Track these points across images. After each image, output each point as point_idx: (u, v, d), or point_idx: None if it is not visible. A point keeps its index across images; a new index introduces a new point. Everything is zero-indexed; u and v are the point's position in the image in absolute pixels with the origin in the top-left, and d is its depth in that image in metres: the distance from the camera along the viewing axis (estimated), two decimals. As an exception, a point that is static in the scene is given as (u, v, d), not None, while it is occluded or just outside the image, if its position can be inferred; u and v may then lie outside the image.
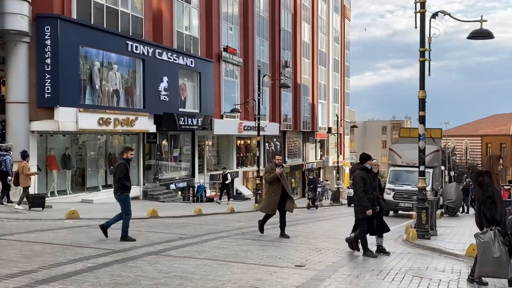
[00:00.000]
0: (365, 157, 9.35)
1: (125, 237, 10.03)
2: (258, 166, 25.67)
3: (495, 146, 78.23)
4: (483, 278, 6.92)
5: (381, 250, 9.52)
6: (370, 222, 9.21)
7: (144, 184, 25.04)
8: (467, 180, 35.76)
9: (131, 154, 10.10)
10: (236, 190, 33.97)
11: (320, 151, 53.60)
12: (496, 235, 6.50)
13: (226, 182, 26.27)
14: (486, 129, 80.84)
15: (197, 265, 7.76)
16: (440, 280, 7.40)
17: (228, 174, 26.71)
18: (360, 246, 9.41)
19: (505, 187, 33.17)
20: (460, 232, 14.21)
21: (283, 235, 11.29)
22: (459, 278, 7.60)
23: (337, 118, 43.21)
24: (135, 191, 24.66)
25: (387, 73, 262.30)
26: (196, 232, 11.95)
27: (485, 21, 11.30)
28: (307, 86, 47.89)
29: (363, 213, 9.05)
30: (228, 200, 26.18)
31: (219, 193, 30.93)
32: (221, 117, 31.36)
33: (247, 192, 33.24)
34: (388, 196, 22.28)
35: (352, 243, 9.66)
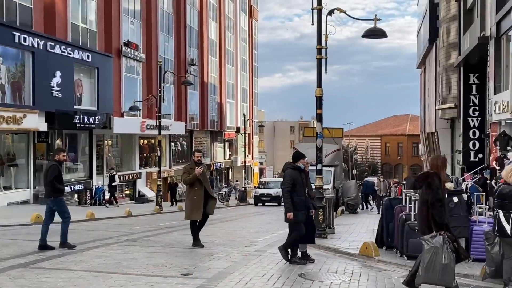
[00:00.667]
0: (298, 156, 8.53)
1: (64, 243, 9.35)
2: (160, 166, 24.68)
3: (393, 146, 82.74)
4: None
5: (306, 257, 8.69)
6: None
7: (35, 187, 23.12)
8: (365, 179, 37.06)
9: (63, 156, 9.66)
10: (139, 192, 32.65)
11: (229, 151, 53.34)
12: (446, 241, 6.21)
13: (113, 184, 24.95)
14: (385, 130, 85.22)
15: (69, 278, 6.89)
16: (331, 282, 7.13)
17: (116, 176, 25.44)
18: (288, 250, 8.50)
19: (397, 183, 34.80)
20: (357, 230, 14.34)
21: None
22: (350, 279, 7.39)
23: (244, 117, 43.06)
24: (24, 194, 22.75)
25: (296, 75, 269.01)
26: (81, 239, 10.91)
27: (379, 20, 11.38)
28: (214, 85, 47.38)
29: (295, 217, 8.20)
30: (113, 203, 24.80)
31: (120, 195, 29.57)
32: (122, 115, 29.92)
33: (150, 193, 32.02)
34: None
35: (302, 254, 8.61)
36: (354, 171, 58.89)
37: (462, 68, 26.67)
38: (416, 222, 8.80)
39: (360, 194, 27.95)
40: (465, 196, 8.97)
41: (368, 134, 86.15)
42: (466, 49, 24.56)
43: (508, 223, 6.47)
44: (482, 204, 10.06)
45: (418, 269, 6.41)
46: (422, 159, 54.57)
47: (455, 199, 8.78)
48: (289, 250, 8.51)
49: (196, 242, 10.03)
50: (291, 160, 8.65)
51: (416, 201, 9.11)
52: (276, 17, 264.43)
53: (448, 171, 28.59)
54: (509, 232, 6.48)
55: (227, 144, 52.26)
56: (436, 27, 35.47)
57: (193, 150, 14.60)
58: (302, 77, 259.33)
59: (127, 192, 31.86)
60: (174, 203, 28.90)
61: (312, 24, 11.67)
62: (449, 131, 34.29)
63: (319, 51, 11.64)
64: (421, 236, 6.51)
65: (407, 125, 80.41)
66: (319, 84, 11.65)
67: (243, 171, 47.13)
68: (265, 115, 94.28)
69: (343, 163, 28.75)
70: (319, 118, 11.71)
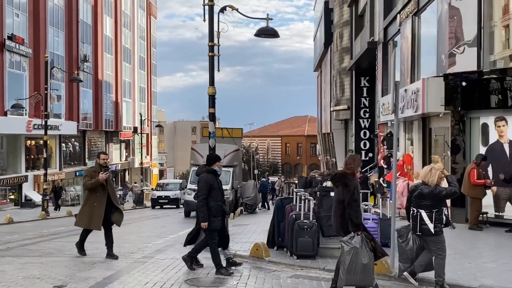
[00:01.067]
0: (213, 158, 7.93)
1: None
2: (46, 168, 23.05)
3: (293, 146, 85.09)
4: None
5: (232, 263, 8.13)
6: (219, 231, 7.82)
7: None
8: (262, 178, 37.44)
9: None
10: (25, 196, 30.35)
11: (126, 152, 51.51)
12: (364, 240, 6.19)
13: None
14: (285, 130, 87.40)
15: None
16: (217, 287, 6.86)
17: None
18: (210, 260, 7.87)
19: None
20: (252, 230, 14.26)
21: (110, 255, 8.98)
22: (237, 283, 7.16)
23: (141, 117, 41.78)
24: None
25: (198, 75, 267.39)
26: None
27: (271, 19, 11.31)
28: (110, 83, 45.49)
29: (210, 223, 7.62)
30: None
31: (3, 201, 27.35)
32: (5, 114, 27.61)
33: (38, 198, 29.82)
34: (189, 197, 21.91)
35: (192, 259, 8.04)
36: (256, 171, 59.66)
37: (354, 72, 27.86)
38: (305, 221, 8.82)
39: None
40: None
41: (269, 135, 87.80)
42: (357, 54, 25.68)
43: (431, 222, 6.64)
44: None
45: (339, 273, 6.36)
46: (319, 158, 56.52)
47: (342, 197, 8.87)
48: (224, 258, 7.95)
49: (82, 251, 9.15)
50: (205, 163, 8.06)
51: (306, 200, 9.14)
52: (177, 16, 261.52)
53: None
54: (432, 230, 6.65)
55: (123, 144, 50.43)
56: (331, 32, 36.84)
57: (98, 152, 13.15)
58: (204, 77, 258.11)
59: (12, 197, 29.47)
60: (58, 208, 27.04)
61: (204, 20, 11.36)
62: (343, 132, 35.74)
63: (211, 49, 11.35)
64: (339, 238, 6.48)
65: (306, 126, 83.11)
66: (211, 82, 11.36)
67: (141, 172, 45.65)
68: (165, 115, 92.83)
69: (243, 163, 28.88)
70: (212, 117, 11.43)
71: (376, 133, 24.48)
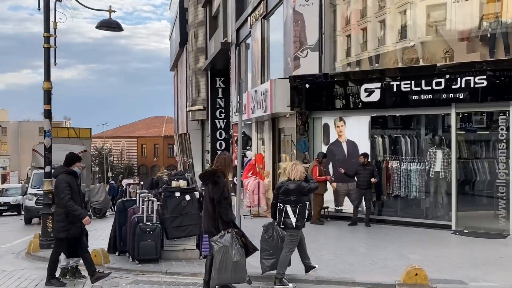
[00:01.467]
0: (72, 158, 7.38)
1: None
2: None
3: (149, 147, 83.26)
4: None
5: (75, 273, 7.58)
6: (75, 240, 7.23)
7: None
8: (111, 181, 35.80)
9: None
10: None
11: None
12: (234, 238, 6.21)
13: None
14: (141, 131, 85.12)
15: None
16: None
17: None
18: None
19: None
20: (96, 236, 13.33)
21: None
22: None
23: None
24: None
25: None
26: None
27: (114, 11, 10.82)
28: None
29: (66, 231, 7.02)
30: None
31: None
32: None
33: None
34: (30, 202, 20.18)
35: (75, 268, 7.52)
36: (110, 174, 57.24)
37: (209, 72, 27.97)
38: (148, 223, 8.43)
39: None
40: (197, 194, 8.93)
41: (124, 136, 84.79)
42: (212, 54, 25.82)
43: (294, 216, 6.87)
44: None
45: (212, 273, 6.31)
46: (177, 159, 56.03)
47: (188, 197, 8.66)
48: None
49: None
50: (64, 163, 7.40)
51: (150, 201, 8.75)
52: (24, 8, 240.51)
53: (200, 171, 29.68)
54: (294, 224, 6.88)
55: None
56: (186, 31, 36.61)
57: None
58: (56, 74, 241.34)
59: None
60: None
61: (39, 9, 10.46)
62: (200, 132, 35.78)
63: (47, 40, 10.44)
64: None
65: (163, 127, 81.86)
66: (47, 76, 10.46)
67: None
68: (9, 114, 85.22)
69: (94, 166, 27.41)
70: (47, 114, 10.51)
71: (230, 133, 24.85)
